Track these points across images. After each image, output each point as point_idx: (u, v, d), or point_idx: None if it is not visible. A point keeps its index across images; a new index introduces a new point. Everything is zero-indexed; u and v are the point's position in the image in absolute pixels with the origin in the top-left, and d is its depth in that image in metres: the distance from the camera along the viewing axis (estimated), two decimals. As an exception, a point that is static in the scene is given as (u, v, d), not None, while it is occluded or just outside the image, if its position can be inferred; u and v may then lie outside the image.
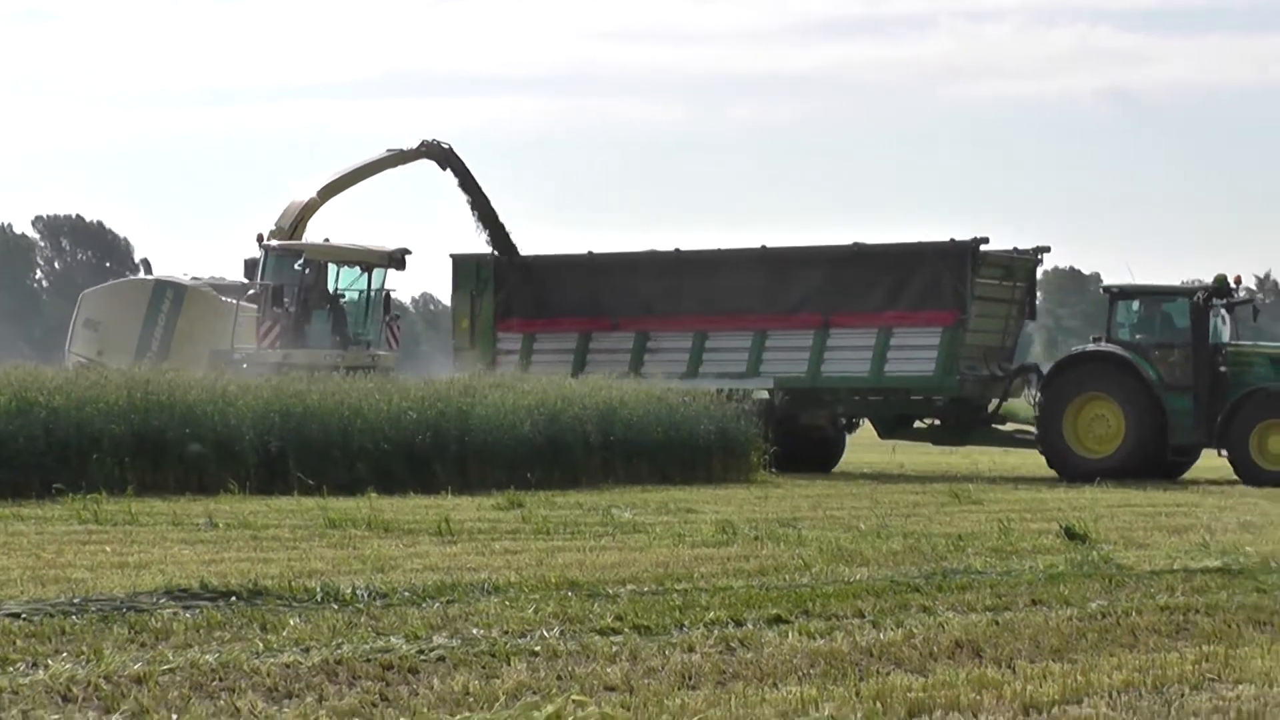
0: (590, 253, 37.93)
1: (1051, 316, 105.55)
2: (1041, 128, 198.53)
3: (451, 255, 38.77)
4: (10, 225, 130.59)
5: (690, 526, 19.68)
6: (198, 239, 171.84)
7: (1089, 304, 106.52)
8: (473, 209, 38.93)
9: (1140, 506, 24.71)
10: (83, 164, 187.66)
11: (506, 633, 11.24)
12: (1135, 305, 33.53)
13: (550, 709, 8.65)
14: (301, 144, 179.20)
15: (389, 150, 39.91)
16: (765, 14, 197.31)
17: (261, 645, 10.56)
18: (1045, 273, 36.73)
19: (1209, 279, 33.22)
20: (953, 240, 34.66)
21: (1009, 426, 36.13)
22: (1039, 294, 39.04)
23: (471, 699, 9.25)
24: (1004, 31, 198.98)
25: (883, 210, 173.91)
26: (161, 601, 12.14)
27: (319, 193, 39.31)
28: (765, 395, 35.50)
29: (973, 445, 36.95)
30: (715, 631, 11.47)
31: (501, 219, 38.85)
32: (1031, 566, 15.61)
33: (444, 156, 39.36)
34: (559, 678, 9.87)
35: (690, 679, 9.97)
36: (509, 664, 10.23)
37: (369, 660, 10.18)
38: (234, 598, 12.34)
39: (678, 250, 37.06)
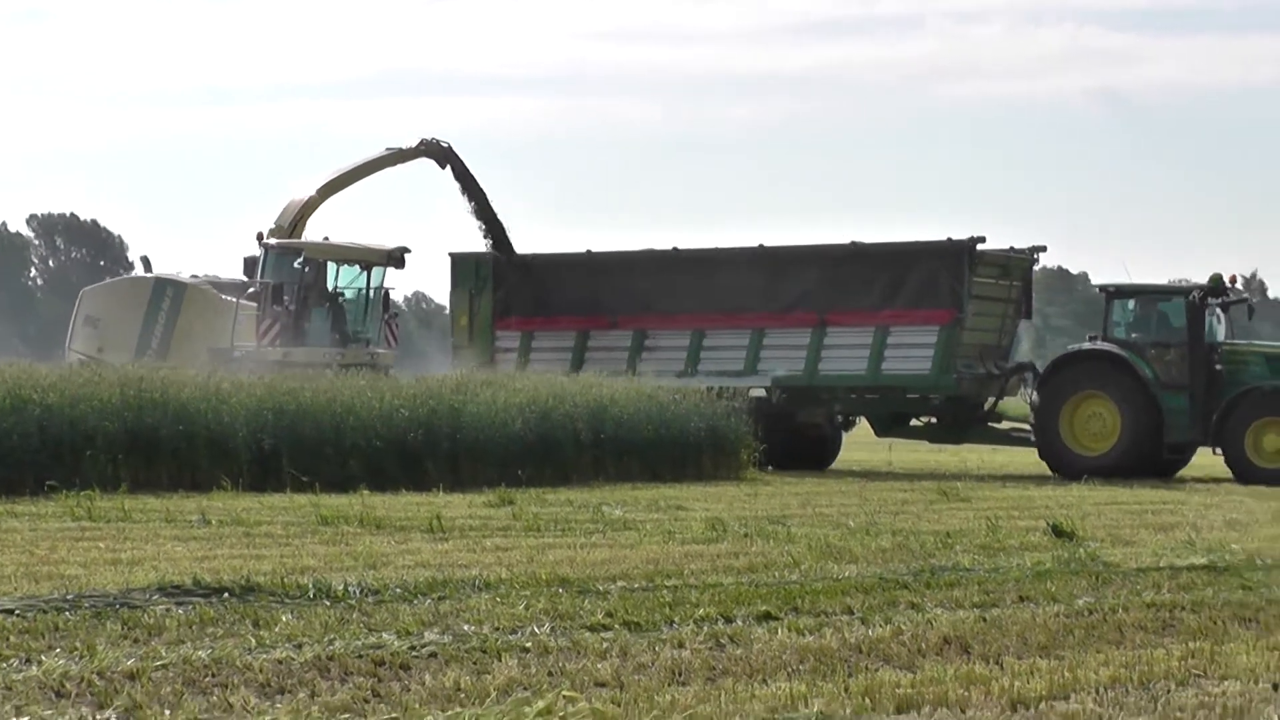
0: (588, 251, 37.99)
1: (1040, 315, 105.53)
2: (1031, 128, 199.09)
3: (450, 254, 38.86)
4: (5, 224, 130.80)
5: (680, 524, 19.72)
6: (197, 238, 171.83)
7: (1077, 303, 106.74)
8: (472, 207, 39.00)
9: (1127, 504, 24.77)
10: (80, 163, 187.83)
11: (498, 629, 11.26)
12: (1131, 304, 33.60)
13: (541, 705, 8.66)
14: (300, 143, 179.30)
15: (388, 149, 39.95)
16: (761, 14, 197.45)
17: (254, 641, 10.58)
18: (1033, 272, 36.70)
19: (1196, 279, 33.35)
20: (950, 239, 34.72)
21: (1005, 425, 36.18)
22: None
23: (463, 695, 9.27)
24: (993, 32, 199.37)
25: (872, 210, 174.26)
26: (154, 598, 12.15)
27: (318, 191, 39.36)
28: (762, 393, 35.60)
29: (969, 443, 37.01)
30: (705, 628, 11.50)
31: (500, 218, 38.96)
32: (1019, 564, 15.65)
33: (443, 155, 39.41)
34: (550, 674, 9.89)
35: (680, 675, 10.00)
36: (500, 660, 10.25)
37: (361, 656, 10.20)
38: (227, 594, 12.35)
39: (675, 249, 37.11)
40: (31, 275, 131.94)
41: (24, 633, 10.74)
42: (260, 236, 37.95)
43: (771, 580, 14.16)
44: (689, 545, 17.12)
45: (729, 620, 11.86)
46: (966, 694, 9.49)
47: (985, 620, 12.08)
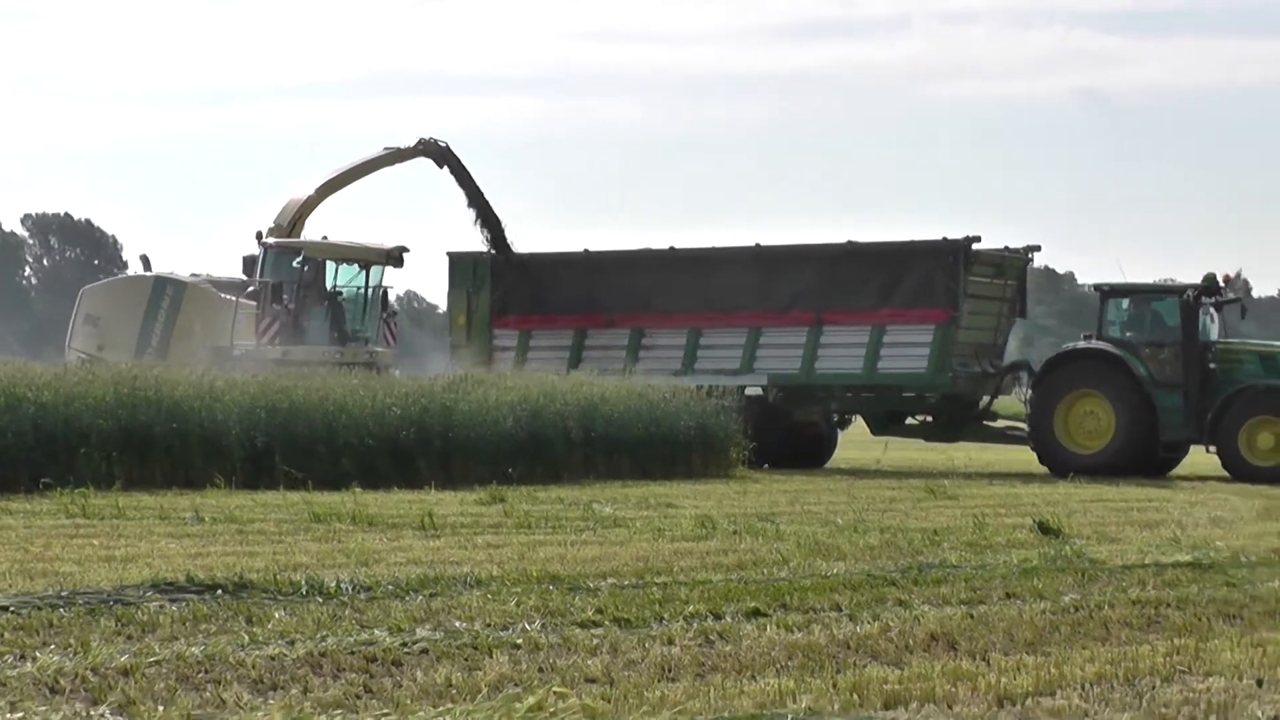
0: (586, 251, 38.05)
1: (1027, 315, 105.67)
2: (1019, 129, 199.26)
3: (448, 253, 38.92)
4: (0, 224, 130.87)
5: (670, 521, 19.77)
6: (196, 237, 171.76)
7: (1064, 303, 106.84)
8: (470, 207, 39.04)
9: (1113, 502, 24.84)
10: (78, 163, 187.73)
11: (489, 625, 11.29)
12: (1126, 303, 33.72)
13: (532, 701, 8.64)
14: (299, 143, 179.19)
15: (386, 149, 39.98)
16: (751, 16, 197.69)
17: (247, 638, 10.61)
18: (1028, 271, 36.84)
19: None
20: (945, 239, 34.79)
21: (1000, 423, 36.26)
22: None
23: (454, 691, 9.30)
24: (980, 33, 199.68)
25: (867, 209, 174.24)
26: (148, 595, 12.17)
27: (317, 190, 39.39)
28: (759, 391, 35.65)
29: (964, 442, 37.07)
30: (694, 624, 11.53)
31: (498, 216, 38.98)
32: (1006, 561, 15.70)
33: (441, 154, 39.45)
34: (540, 670, 9.92)
35: (670, 671, 10.03)
36: (491, 656, 10.28)
37: (353, 653, 10.23)
38: (220, 591, 12.38)
39: (672, 248, 37.16)
40: (26, 274, 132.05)
41: (18, 629, 10.75)
42: (259, 235, 37.99)
43: (760, 577, 14.20)
44: (679, 542, 17.17)
45: (718, 617, 11.89)
46: (953, 690, 9.51)
47: (972, 617, 12.12)
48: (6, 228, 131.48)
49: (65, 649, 10.11)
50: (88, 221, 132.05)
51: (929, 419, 36.39)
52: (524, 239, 39.30)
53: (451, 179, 39.36)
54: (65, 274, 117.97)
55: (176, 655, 9.94)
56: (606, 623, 11.53)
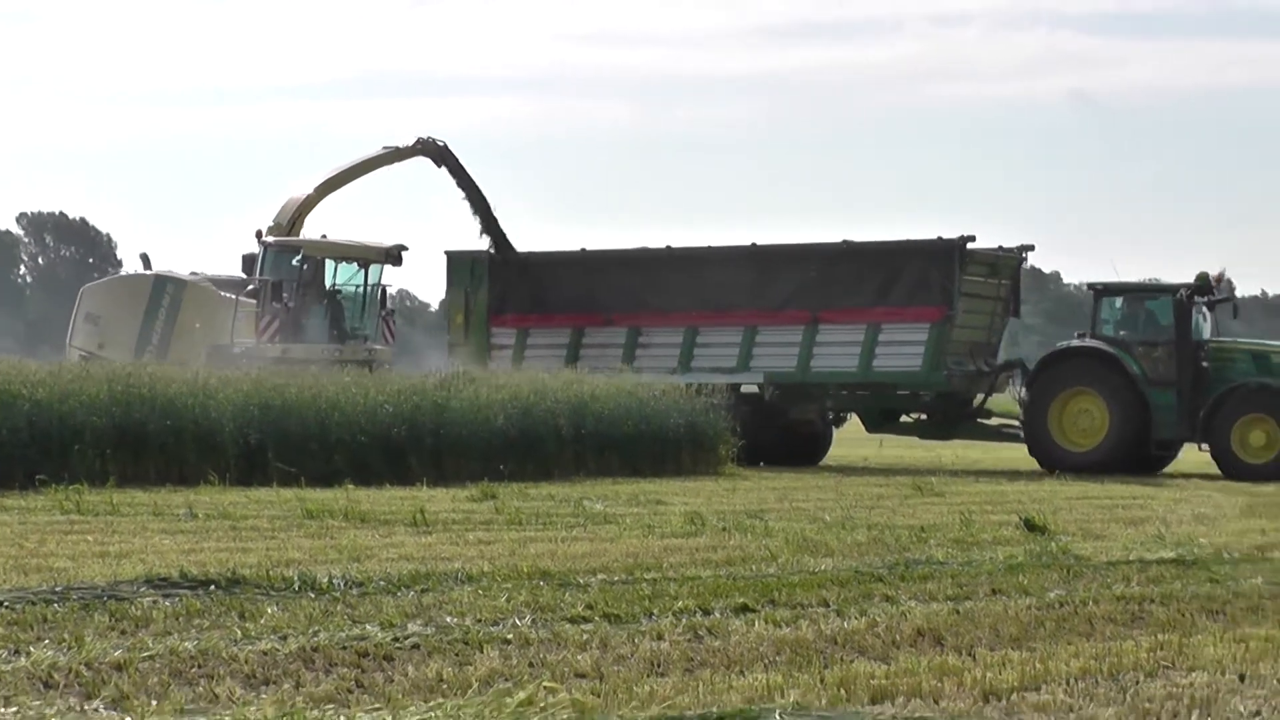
0: (583, 250, 38.08)
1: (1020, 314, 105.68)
2: (1008, 130, 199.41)
3: (446, 252, 38.94)
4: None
5: (660, 518, 19.81)
6: (195, 236, 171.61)
7: (1049, 302, 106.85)
8: (469, 206, 39.08)
9: (1098, 499, 24.89)
10: (77, 162, 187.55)
11: (479, 621, 11.31)
12: (1119, 302, 33.79)
13: (522, 695, 8.65)
14: (299, 143, 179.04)
15: (385, 148, 39.99)
16: (745, 17, 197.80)
17: (240, 633, 10.63)
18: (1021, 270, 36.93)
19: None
20: (940, 238, 34.84)
21: (994, 421, 36.33)
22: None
23: (445, 686, 9.32)
24: (970, 35, 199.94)
25: (863, 209, 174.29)
26: (142, 590, 12.18)
27: (316, 189, 39.40)
28: (755, 389, 35.72)
29: (958, 439, 37.12)
30: (683, 620, 11.56)
31: (496, 215, 39.01)
32: (992, 557, 15.75)
33: (439, 154, 39.46)
34: (531, 665, 9.95)
35: (659, 666, 10.07)
36: (482, 651, 10.31)
37: (345, 648, 10.25)
38: (213, 586, 12.38)
39: (669, 247, 37.20)
40: (21, 273, 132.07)
41: (13, 624, 10.77)
42: (259, 234, 38.02)
43: (749, 573, 14.23)
44: (668, 539, 17.20)
45: (707, 612, 11.92)
46: (940, 685, 9.55)
47: (958, 613, 12.17)
48: (2, 226, 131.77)
49: (59, 644, 10.13)
50: (83, 220, 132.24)
51: (924, 417, 36.43)
52: (522, 238, 39.36)
53: (450, 178, 39.41)
54: (60, 272, 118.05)
55: (170, 650, 9.97)
56: (596, 618, 11.56)
